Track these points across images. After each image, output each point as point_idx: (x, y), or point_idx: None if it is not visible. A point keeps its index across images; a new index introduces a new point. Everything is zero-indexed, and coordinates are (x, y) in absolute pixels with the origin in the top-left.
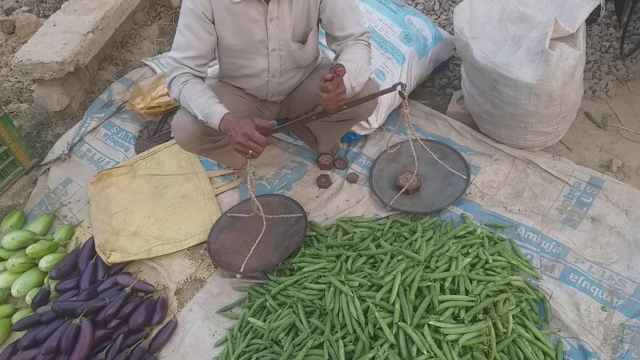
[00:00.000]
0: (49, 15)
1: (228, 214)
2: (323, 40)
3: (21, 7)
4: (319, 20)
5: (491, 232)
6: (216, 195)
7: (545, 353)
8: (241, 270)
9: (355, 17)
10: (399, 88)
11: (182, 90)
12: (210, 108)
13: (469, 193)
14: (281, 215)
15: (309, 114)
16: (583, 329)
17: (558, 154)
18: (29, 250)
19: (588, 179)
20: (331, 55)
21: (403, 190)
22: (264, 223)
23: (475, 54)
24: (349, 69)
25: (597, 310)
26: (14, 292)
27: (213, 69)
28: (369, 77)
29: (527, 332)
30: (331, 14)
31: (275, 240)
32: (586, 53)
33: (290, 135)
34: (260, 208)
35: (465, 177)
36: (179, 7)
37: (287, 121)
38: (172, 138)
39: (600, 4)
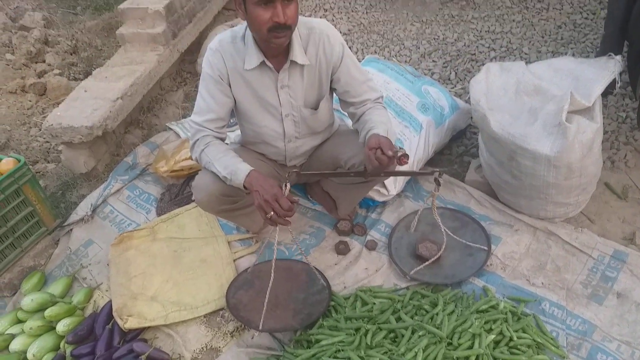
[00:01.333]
0: (79, 79)
1: (248, 271)
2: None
3: (52, 70)
4: (334, 89)
5: (514, 307)
6: (234, 260)
7: None
8: (260, 327)
9: (369, 84)
10: (436, 175)
11: (205, 150)
12: (236, 165)
13: (490, 264)
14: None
15: (347, 171)
16: None
17: (580, 225)
18: (47, 313)
19: (612, 253)
20: (348, 121)
21: (427, 263)
22: (272, 274)
23: (493, 125)
24: (382, 131)
25: None
26: (29, 355)
27: (235, 135)
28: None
29: None
30: (346, 84)
31: (295, 306)
32: (603, 124)
33: (309, 200)
34: (273, 273)
35: (485, 248)
36: None
37: (308, 185)
38: (193, 201)
39: (615, 78)
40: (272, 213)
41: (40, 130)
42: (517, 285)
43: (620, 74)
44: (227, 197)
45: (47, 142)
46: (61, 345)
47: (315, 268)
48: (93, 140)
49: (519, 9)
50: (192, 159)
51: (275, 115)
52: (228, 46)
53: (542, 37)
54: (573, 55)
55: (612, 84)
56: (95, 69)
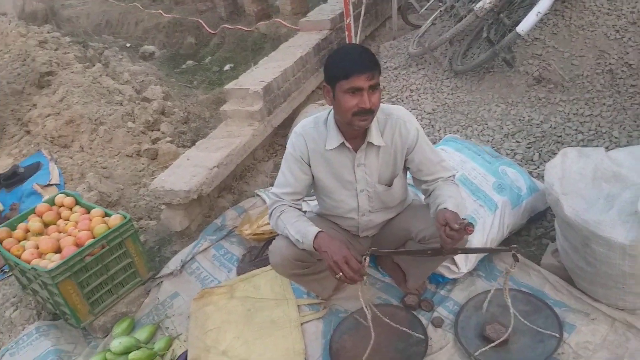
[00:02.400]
0: (187, 146)
1: (355, 314)
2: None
3: (165, 137)
4: (408, 168)
5: None
6: (302, 324)
7: None
8: None
9: (443, 164)
10: (514, 251)
11: (281, 217)
12: (306, 228)
13: (562, 353)
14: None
15: (424, 248)
16: None
17: None
18: (131, 356)
19: None
20: (421, 196)
21: (493, 344)
22: (372, 334)
23: (566, 210)
24: (451, 205)
25: None
26: None
27: (314, 205)
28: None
29: None
30: (420, 164)
31: (392, 355)
32: None
33: (379, 271)
34: (369, 318)
35: (557, 335)
36: None
37: (379, 256)
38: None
39: None
40: (340, 273)
41: (147, 190)
42: None
43: None
44: (299, 262)
45: (152, 201)
46: None
47: (418, 317)
48: (189, 203)
49: (610, 92)
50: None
51: (350, 191)
52: (311, 130)
53: (635, 122)
54: None
55: None
56: (201, 137)
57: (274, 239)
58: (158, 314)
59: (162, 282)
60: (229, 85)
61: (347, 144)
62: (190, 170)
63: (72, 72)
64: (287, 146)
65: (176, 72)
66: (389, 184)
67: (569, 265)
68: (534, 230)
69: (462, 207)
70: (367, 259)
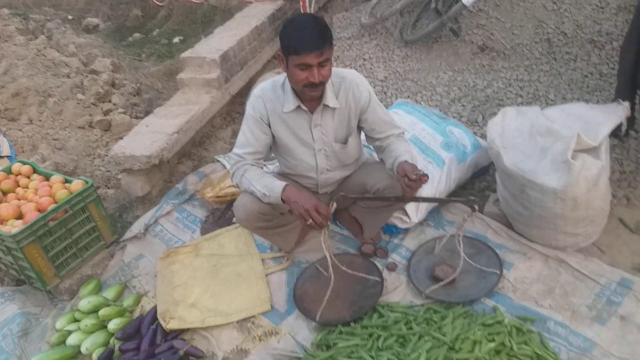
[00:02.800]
0: (140, 117)
1: (316, 264)
2: None
3: (117, 109)
4: (361, 127)
5: (521, 324)
6: (266, 275)
7: None
8: (317, 319)
9: (393, 123)
10: (475, 205)
11: (245, 175)
12: (273, 183)
13: (502, 287)
14: (354, 273)
15: (385, 194)
16: None
17: (591, 255)
18: (101, 312)
19: (619, 280)
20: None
21: (442, 283)
22: (332, 278)
23: (506, 162)
24: (408, 158)
25: None
26: (83, 349)
27: (274, 167)
28: None
29: None
30: (373, 123)
31: (351, 298)
32: (622, 164)
33: (337, 225)
34: (332, 267)
35: (498, 272)
36: None
37: (336, 211)
38: (234, 223)
39: (622, 122)
40: (311, 220)
41: (103, 160)
42: (525, 306)
43: (636, 118)
44: (263, 215)
45: (108, 171)
46: (111, 341)
47: (374, 262)
48: (150, 168)
49: (547, 60)
50: (234, 187)
51: (309, 150)
52: (269, 93)
53: (568, 85)
54: (597, 102)
55: (620, 127)
56: (155, 109)
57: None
58: (124, 275)
59: (126, 245)
60: (185, 54)
61: (304, 107)
62: (150, 136)
63: (15, 45)
64: (247, 108)
65: (123, 45)
66: (345, 142)
67: (508, 211)
68: (478, 184)
69: (415, 160)
70: (335, 204)
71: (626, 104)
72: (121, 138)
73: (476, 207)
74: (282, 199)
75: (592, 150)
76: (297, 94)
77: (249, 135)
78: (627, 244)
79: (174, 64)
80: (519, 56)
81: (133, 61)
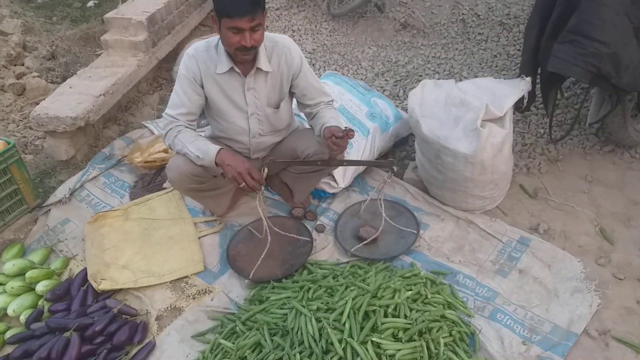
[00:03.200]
0: (57, 82)
1: (248, 227)
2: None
3: (31, 72)
4: (293, 93)
5: (434, 277)
6: (199, 238)
7: None
8: (250, 276)
9: (323, 90)
10: (394, 167)
11: (178, 136)
12: (207, 146)
13: (419, 245)
14: (286, 234)
15: (313, 159)
16: (506, 359)
17: (495, 217)
18: (28, 274)
19: (518, 238)
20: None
21: (365, 242)
22: (268, 238)
23: (424, 129)
24: (334, 123)
25: (518, 344)
26: (9, 312)
27: (206, 132)
28: None
29: (457, 357)
30: (303, 89)
31: (283, 257)
32: (524, 137)
33: (269, 190)
34: (267, 229)
35: (415, 232)
36: None
37: (268, 177)
38: (165, 188)
39: (524, 95)
40: (244, 183)
41: (18, 126)
42: (438, 261)
43: (534, 94)
44: (196, 177)
45: (24, 137)
46: (39, 303)
47: (304, 224)
48: (74, 131)
49: (462, 39)
50: (164, 152)
51: (242, 113)
52: (202, 53)
53: (480, 64)
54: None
55: (522, 100)
56: (72, 74)
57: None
58: (49, 240)
59: (49, 210)
60: (110, 14)
61: (237, 69)
62: (74, 97)
63: None
64: (179, 68)
65: (32, 7)
66: (277, 107)
67: (425, 176)
68: (398, 153)
69: (341, 125)
70: (266, 169)
71: (528, 79)
72: (37, 103)
73: (395, 168)
74: (215, 162)
75: (498, 120)
76: (231, 56)
77: (182, 96)
78: (526, 207)
79: (90, 27)
80: (437, 35)
81: (45, 24)
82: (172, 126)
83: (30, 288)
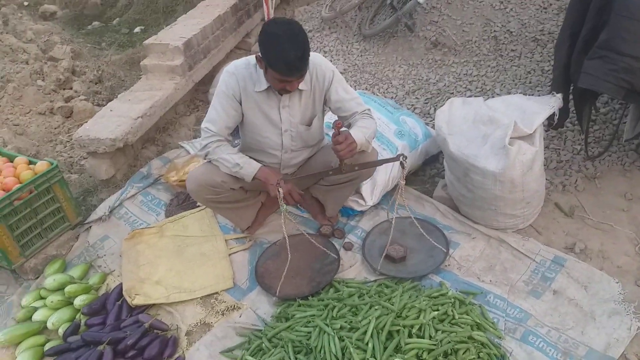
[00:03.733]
0: (102, 105)
1: (277, 244)
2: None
3: (79, 96)
4: (328, 107)
5: (463, 297)
6: (229, 255)
7: None
8: (277, 294)
9: (356, 101)
10: (401, 159)
11: (216, 148)
12: (248, 161)
13: (448, 264)
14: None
15: (326, 170)
16: None
17: (529, 236)
18: (67, 289)
19: (552, 258)
20: None
21: (385, 254)
22: (289, 256)
23: (451, 147)
24: (364, 133)
25: None
26: (49, 324)
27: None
28: (375, 150)
29: None
30: (337, 102)
31: (310, 275)
32: (560, 154)
33: (298, 208)
34: (288, 247)
35: (445, 250)
36: None
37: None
38: (198, 206)
39: (554, 112)
40: (283, 198)
41: (65, 147)
42: (468, 281)
43: (566, 112)
44: (212, 188)
45: (71, 157)
46: (77, 317)
47: (331, 242)
48: (114, 152)
49: (494, 56)
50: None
51: (276, 129)
52: (242, 71)
53: (513, 81)
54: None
55: (553, 117)
56: (117, 97)
57: None
58: (89, 255)
59: (90, 226)
60: (149, 40)
61: (273, 89)
62: (114, 120)
63: None
64: (219, 84)
65: (82, 33)
66: (309, 124)
67: (454, 194)
68: (429, 171)
69: (370, 135)
70: (282, 182)
71: (559, 95)
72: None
73: (405, 162)
74: (256, 177)
75: (528, 137)
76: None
77: (220, 111)
78: (561, 226)
79: (135, 52)
80: (468, 52)
81: (93, 49)
82: (214, 139)
83: (69, 302)
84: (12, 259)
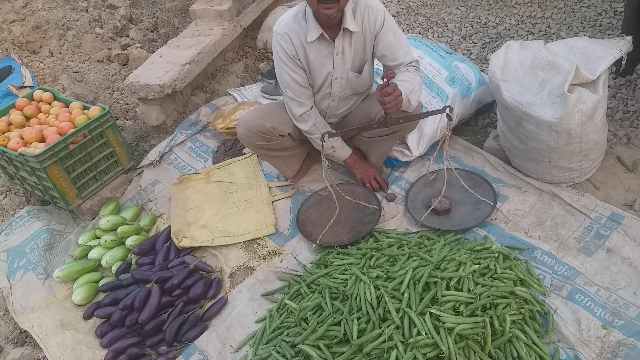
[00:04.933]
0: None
1: (319, 193)
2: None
3: (135, 43)
4: (374, 53)
5: (509, 252)
6: (272, 202)
7: (541, 358)
8: (317, 241)
9: (404, 49)
10: (447, 110)
11: (316, 124)
12: (343, 144)
13: (495, 218)
14: (356, 201)
15: (370, 123)
16: (581, 342)
17: (585, 191)
18: (119, 230)
19: (609, 215)
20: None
21: (431, 208)
22: (337, 206)
23: (504, 94)
24: (405, 87)
25: (597, 327)
26: (103, 262)
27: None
28: (420, 104)
29: (525, 336)
30: (383, 48)
31: (350, 224)
32: (627, 104)
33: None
34: (335, 196)
35: (491, 204)
36: (263, 49)
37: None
38: (244, 154)
39: (622, 57)
40: (369, 185)
41: (122, 94)
42: (515, 236)
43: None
44: (262, 135)
45: (127, 104)
46: (128, 256)
47: (373, 192)
48: (164, 98)
49: None
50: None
51: (326, 79)
52: (293, 26)
53: (581, 23)
54: None
55: (619, 62)
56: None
57: None
58: (141, 198)
59: (142, 171)
60: None
61: (326, 35)
62: (163, 66)
63: None
64: (276, 49)
65: None
66: (360, 71)
67: (506, 145)
68: (481, 121)
69: (415, 91)
70: (327, 137)
71: (629, 38)
72: None
73: (452, 114)
74: (346, 162)
75: (590, 84)
76: (318, 21)
77: (294, 76)
78: (622, 181)
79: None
80: None
81: None
82: (303, 111)
83: (121, 242)
84: (69, 200)
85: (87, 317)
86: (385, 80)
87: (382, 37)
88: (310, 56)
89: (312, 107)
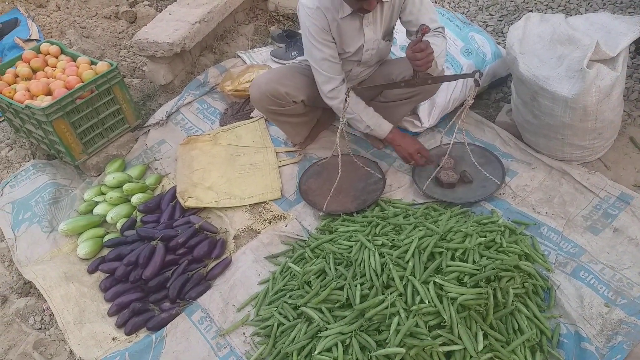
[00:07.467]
0: None
1: (318, 164)
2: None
3: (143, 1)
4: (399, 18)
5: (515, 227)
6: (279, 167)
7: (542, 331)
8: (324, 209)
9: (430, 15)
10: (477, 75)
11: (350, 104)
12: (380, 120)
13: (503, 193)
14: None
15: (397, 81)
16: (583, 319)
17: (595, 170)
18: (125, 187)
19: (618, 194)
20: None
21: (431, 177)
22: (339, 172)
23: (521, 67)
24: (434, 48)
25: (600, 305)
26: (108, 219)
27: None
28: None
29: (527, 310)
30: (409, 14)
31: (354, 193)
32: None
33: (351, 127)
34: (339, 154)
35: (498, 182)
36: (274, 11)
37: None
38: (251, 117)
39: None
40: (413, 162)
41: (129, 52)
42: (522, 211)
43: None
44: (275, 99)
45: (134, 62)
46: (134, 213)
47: (375, 162)
48: (172, 57)
49: None
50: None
51: (358, 52)
52: (324, 1)
53: (602, 0)
54: None
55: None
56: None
57: None
58: (147, 157)
59: (149, 130)
60: None
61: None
62: (172, 24)
63: None
64: (305, 23)
65: None
66: (389, 39)
67: (519, 120)
68: (494, 95)
69: (441, 55)
70: (350, 93)
71: None
72: None
73: (480, 80)
74: (386, 139)
75: (609, 61)
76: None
77: (325, 50)
78: (633, 162)
79: None
80: None
81: None
82: (334, 86)
83: (127, 199)
84: (75, 156)
85: (91, 271)
86: (420, 35)
87: (409, 2)
88: (342, 30)
89: (342, 80)
